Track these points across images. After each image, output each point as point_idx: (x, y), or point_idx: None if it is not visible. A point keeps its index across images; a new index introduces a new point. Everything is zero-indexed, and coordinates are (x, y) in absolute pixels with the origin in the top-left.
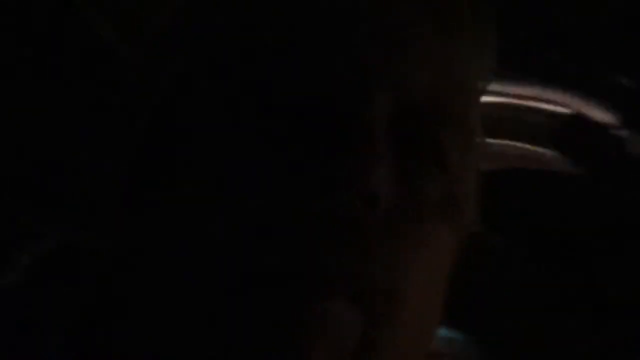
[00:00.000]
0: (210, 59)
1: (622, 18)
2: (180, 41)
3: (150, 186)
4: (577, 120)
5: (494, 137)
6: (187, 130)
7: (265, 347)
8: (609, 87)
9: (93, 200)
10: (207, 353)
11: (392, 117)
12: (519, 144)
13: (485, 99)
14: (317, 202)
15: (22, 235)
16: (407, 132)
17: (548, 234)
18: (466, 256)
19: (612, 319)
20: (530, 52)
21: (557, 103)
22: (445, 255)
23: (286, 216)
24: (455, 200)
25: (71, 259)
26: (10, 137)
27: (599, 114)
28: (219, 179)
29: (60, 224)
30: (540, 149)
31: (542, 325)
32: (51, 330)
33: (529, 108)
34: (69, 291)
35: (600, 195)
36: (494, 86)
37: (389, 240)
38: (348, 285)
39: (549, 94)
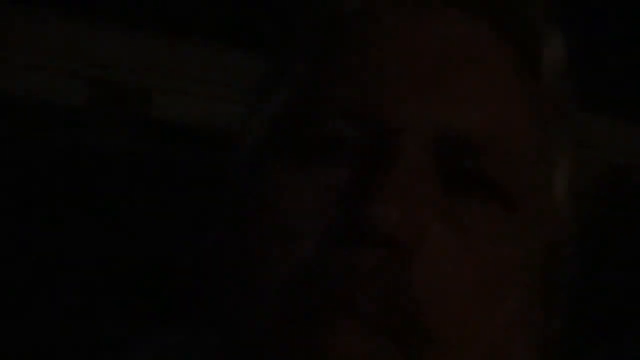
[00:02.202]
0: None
1: None
2: None
3: None
4: None
5: None
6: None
7: None
8: None
9: None
10: None
11: (437, 153)
12: None
13: None
14: (351, 241)
15: None
16: (458, 168)
17: None
18: None
19: None
20: None
21: None
22: (510, 297)
23: (325, 256)
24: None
25: None
26: None
27: None
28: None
29: None
30: None
31: None
32: None
33: None
34: None
35: None
36: None
37: (434, 277)
38: (383, 322)
39: None
